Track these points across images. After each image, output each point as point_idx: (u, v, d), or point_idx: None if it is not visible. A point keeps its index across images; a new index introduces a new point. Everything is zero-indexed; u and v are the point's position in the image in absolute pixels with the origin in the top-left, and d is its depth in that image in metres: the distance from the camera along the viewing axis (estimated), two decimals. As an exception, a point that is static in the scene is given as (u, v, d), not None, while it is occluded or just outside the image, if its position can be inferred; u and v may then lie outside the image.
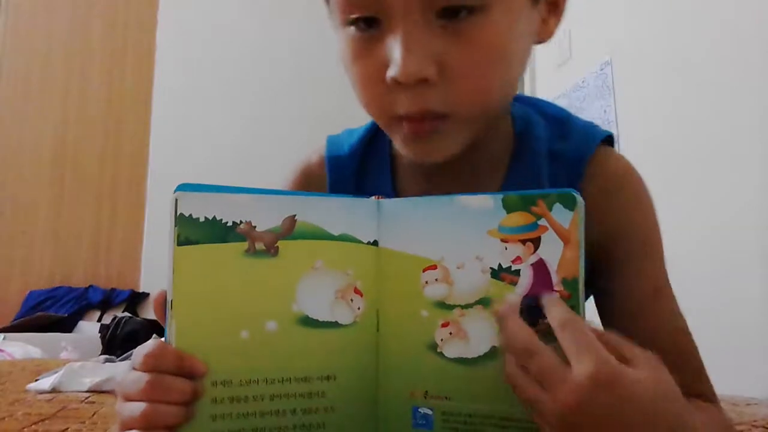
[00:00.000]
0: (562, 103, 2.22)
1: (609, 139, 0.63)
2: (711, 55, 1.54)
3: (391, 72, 0.46)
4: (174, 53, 3.54)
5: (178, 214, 0.41)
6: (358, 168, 0.62)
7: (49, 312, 3.08)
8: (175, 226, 0.41)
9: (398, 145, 0.53)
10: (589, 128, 0.61)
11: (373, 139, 0.64)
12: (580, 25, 2.18)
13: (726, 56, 1.49)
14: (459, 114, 0.49)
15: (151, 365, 0.40)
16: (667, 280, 0.58)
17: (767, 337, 1.33)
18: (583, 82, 2.10)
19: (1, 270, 3.32)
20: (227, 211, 0.42)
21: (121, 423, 0.40)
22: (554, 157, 0.58)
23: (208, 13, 3.48)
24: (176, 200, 0.41)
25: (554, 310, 0.39)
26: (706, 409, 0.51)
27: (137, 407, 0.39)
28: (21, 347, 2.20)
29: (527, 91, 2.50)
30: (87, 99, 3.52)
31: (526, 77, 2.50)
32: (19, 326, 2.83)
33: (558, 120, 0.62)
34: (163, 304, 0.42)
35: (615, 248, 0.55)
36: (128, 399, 0.40)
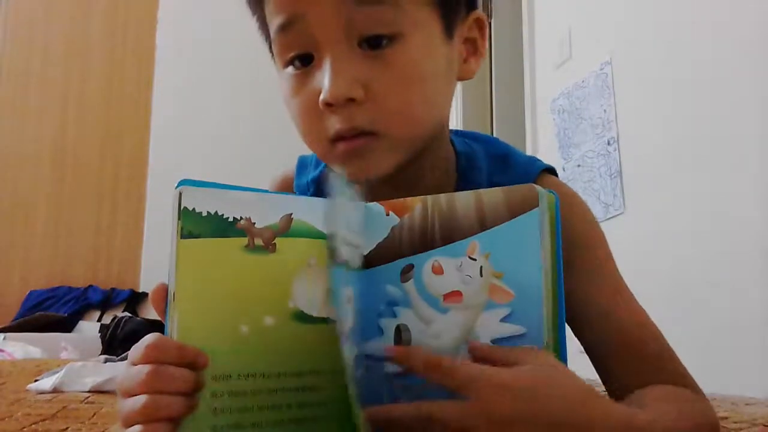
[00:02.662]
0: (562, 103, 2.22)
1: (551, 170, 0.66)
2: (711, 55, 1.54)
3: (322, 96, 0.52)
4: (174, 53, 3.54)
5: (182, 207, 0.41)
6: (318, 195, 0.66)
7: (49, 312, 3.08)
8: (179, 219, 0.41)
9: (335, 168, 0.57)
10: (530, 161, 0.66)
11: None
12: (580, 25, 2.18)
13: (726, 56, 1.49)
14: (386, 132, 0.53)
15: (152, 357, 0.40)
16: (624, 287, 0.60)
17: (767, 337, 1.33)
18: (583, 82, 2.10)
19: (1, 270, 3.33)
20: (228, 206, 0.42)
21: (123, 419, 0.40)
22: (493, 186, 0.61)
23: (208, 13, 3.48)
24: (180, 194, 0.42)
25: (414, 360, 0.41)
26: (669, 390, 0.51)
27: (138, 400, 0.39)
28: (21, 347, 2.21)
29: (527, 91, 2.50)
30: (87, 99, 3.52)
31: (526, 77, 2.50)
32: (19, 326, 2.84)
33: (500, 155, 0.66)
34: (163, 297, 0.42)
35: (566, 262, 0.59)
36: (129, 394, 0.40)
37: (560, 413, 0.39)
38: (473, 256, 0.43)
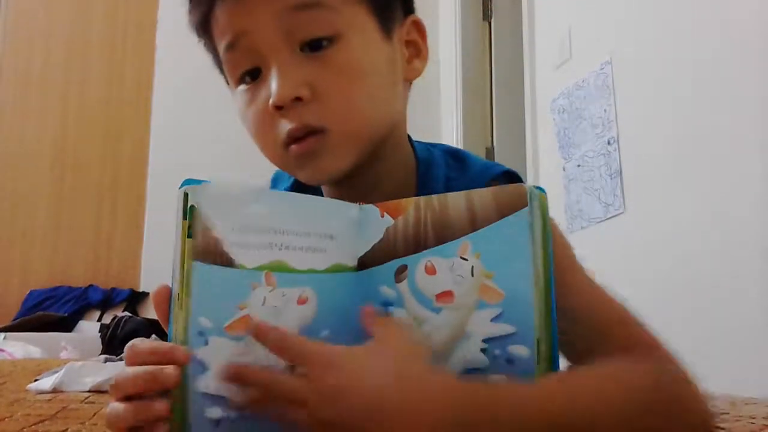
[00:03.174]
0: (562, 103, 2.22)
1: (511, 175, 0.66)
2: (711, 55, 1.54)
3: (272, 100, 0.54)
4: (174, 53, 3.53)
5: (188, 206, 0.41)
6: None
7: (49, 312, 3.08)
8: (185, 218, 0.41)
9: (293, 172, 0.60)
10: (489, 165, 0.67)
11: None
12: (580, 25, 2.18)
13: (726, 56, 1.49)
14: (334, 129, 0.55)
15: (140, 359, 0.41)
16: (575, 259, 0.58)
17: (767, 337, 1.33)
18: (583, 82, 2.10)
19: (1, 270, 3.33)
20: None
21: (111, 420, 0.40)
22: (448, 189, 0.61)
23: (208, 13, 3.48)
24: (185, 194, 0.42)
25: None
26: (604, 364, 0.47)
27: (113, 407, 0.40)
28: (21, 347, 2.21)
29: (527, 91, 2.50)
30: (87, 99, 3.52)
31: (526, 77, 2.50)
32: (19, 326, 2.83)
33: (456, 158, 0.67)
34: (165, 299, 0.42)
35: None
36: (117, 395, 0.41)
37: (382, 391, 0.39)
38: (465, 257, 0.44)
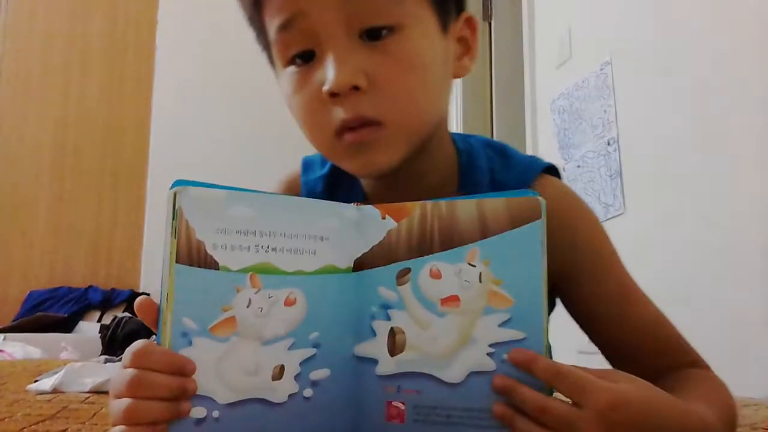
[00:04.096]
0: (562, 103, 2.22)
1: (552, 170, 0.68)
2: (711, 55, 1.54)
3: (327, 86, 0.53)
4: (174, 53, 3.54)
5: (176, 208, 0.41)
6: (329, 190, 0.68)
7: (49, 312, 3.08)
8: (173, 219, 0.41)
9: (342, 162, 0.58)
10: (531, 160, 0.67)
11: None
12: (580, 25, 2.18)
13: (726, 56, 1.49)
14: (390, 121, 0.54)
15: (138, 363, 0.40)
16: (632, 282, 0.62)
17: (767, 337, 1.33)
18: (583, 82, 2.10)
19: (1, 270, 3.33)
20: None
21: (111, 420, 0.41)
22: (497, 187, 0.63)
23: (208, 13, 3.48)
24: (175, 194, 0.42)
25: (540, 365, 0.41)
26: (701, 378, 0.55)
27: (122, 403, 0.40)
28: (21, 347, 2.20)
29: (527, 92, 2.50)
30: (87, 99, 3.52)
31: (526, 77, 2.50)
32: (19, 326, 2.83)
33: (499, 152, 0.67)
34: (150, 308, 0.42)
35: (572, 268, 0.60)
36: (116, 396, 0.41)
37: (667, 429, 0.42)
38: (473, 263, 0.44)
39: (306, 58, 0.55)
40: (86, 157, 3.47)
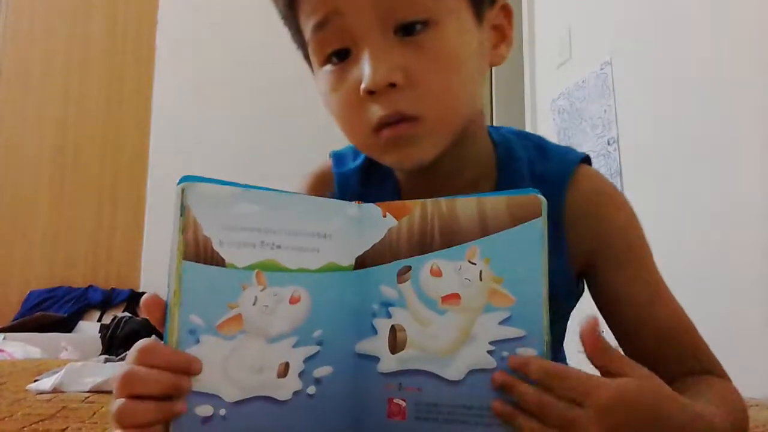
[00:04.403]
0: (562, 103, 2.22)
1: (587, 160, 0.68)
2: (711, 55, 1.54)
3: (364, 84, 0.53)
4: (174, 53, 3.53)
5: (184, 204, 0.41)
6: (363, 182, 0.68)
7: (49, 312, 3.08)
8: (181, 216, 0.41)
9: (380, 157, 0.58)
10: (567, 151, 0.67)
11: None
12: (580, 25, 2.18)
13: (726, 55, 1.49)
14: (428, 116, 0.54)
15: (139, 360, 0.40)
16: (662, 282, 0.62)
17: (767, 337, 1.33)
18: (583, 82, 2.10)
19: (1, 270, 3.32)
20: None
21: (111, 421, 0.40)
22: (536, 179, 0.62)
23: (208, 13, 3.48)
24: (183, 190, 0.42)
25: (535, 366, 0.41)
26: (715, 384, 0.55)
27: (116, 404, 0.40)
28: (21, 347, 2.20)
29: (527, 91, 2.50)
30: (87, 99, 3.52)
31: (526, 77, 2.50)
32: (19, 326, 2.83)
33: (535, 144, 0.67)
34: (157, 305, 0.42)
35: (603, 259, 0.60)
36: (115, 395, 0.41)
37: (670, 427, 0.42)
38: (473, 261, 0.44)
39: (342, 57, 0.55)
40: (86, 157, 3.47)
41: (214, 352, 0.41)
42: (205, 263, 0.41)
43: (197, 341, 0.41)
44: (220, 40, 3.43)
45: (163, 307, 0.42)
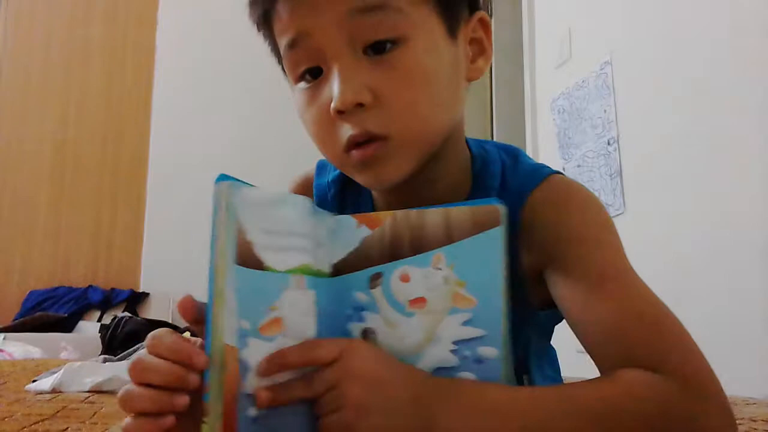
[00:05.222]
0: (562, 103, 2.22)
1: (558, 174, 0.65)
2: (711, 55, 1.54)
3: (333, 104, 0.53)
4: (174, 53, 3.54)
5: (228, 206, 0.42)
6: (340, 193, 0.69)
7: (49, 312, 3.08)
8: (228, 218, 0.42)
9: (353, 175, 0.59)
10: (538, 167, 0.65)
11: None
12: (580, 25, 2.18)
13: (726, 55, 1.49)
14: (397, 136, 0.54)
15: (149, 348, 0.41)
16: (623, 269, 0.55)
17: (767, 337, 1.33)
18: (583, 82, 2.10)
19: (1, 270, 3.33)
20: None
21: (124, 400, 0.42)
22: (505, 191, 0.62)
23: (208, 13, 3.48)
24: (225, 192, 0.43)
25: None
26: (598, 383, 0.48)
27: (123, 389, 0.41)
28: (21, 347, 2.21)
29: (527, 91, 2.50)
30: (87, 99, 3.52)
31: (526, 77, 2.50)
32: (19, 326, 2.84)
33: (513, 156, 0.67)
34: (194, 307, 0.42)
35: (554, 257, 0.58)
36: (138, 379, 0.42)
37: (406, 393, 0.43)
38: (439, 266, 0.47)
39: (315, 74, 0.56)
40: (86, 157, 3.47)
41: (259, 354, 0.42)
42: (247, 267, 0.43)
43: (246, 345, 0.42)
44: (220, 40, 3.43)
45: (198, 309, 0.42)
